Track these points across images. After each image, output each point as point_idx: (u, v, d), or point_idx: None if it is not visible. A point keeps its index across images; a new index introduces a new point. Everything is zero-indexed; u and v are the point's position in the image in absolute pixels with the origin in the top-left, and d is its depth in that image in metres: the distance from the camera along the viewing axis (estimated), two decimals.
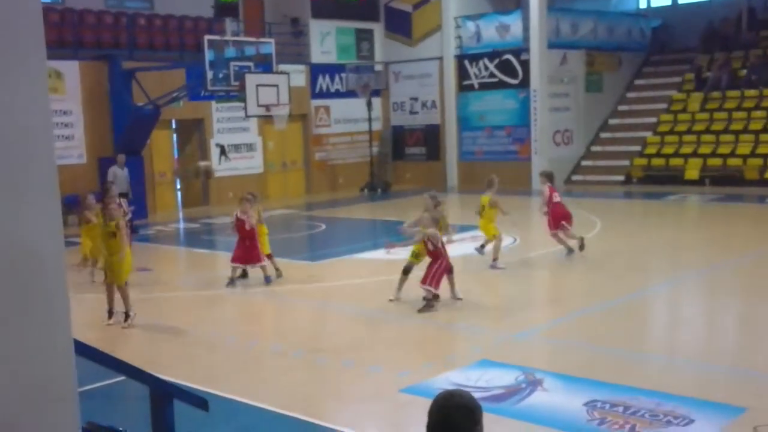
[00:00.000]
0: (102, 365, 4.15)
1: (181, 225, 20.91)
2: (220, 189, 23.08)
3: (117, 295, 10.23)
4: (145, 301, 11.07)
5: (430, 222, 10.44)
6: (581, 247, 13.54)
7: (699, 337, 9.38)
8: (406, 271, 10.89)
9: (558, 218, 13.54)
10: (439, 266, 10.33)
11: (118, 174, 18.21)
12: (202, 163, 20.34)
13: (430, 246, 10.37)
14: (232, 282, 12.30)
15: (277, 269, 12.63)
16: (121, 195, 14.90)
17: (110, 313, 10.26)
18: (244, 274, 12.72)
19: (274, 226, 18.52)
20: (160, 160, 22.67)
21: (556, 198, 13.63)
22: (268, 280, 12.37)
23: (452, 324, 10.05)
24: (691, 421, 6.37)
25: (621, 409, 6.67)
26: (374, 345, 9.26)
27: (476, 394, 3.39)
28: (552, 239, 13.76)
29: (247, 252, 12.23)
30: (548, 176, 14.00)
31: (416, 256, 10.95)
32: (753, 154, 23.07)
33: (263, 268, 12.42)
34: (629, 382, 7.34)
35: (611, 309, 10.35)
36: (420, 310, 10.19)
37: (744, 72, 25.56)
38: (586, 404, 6.80)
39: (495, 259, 12.86)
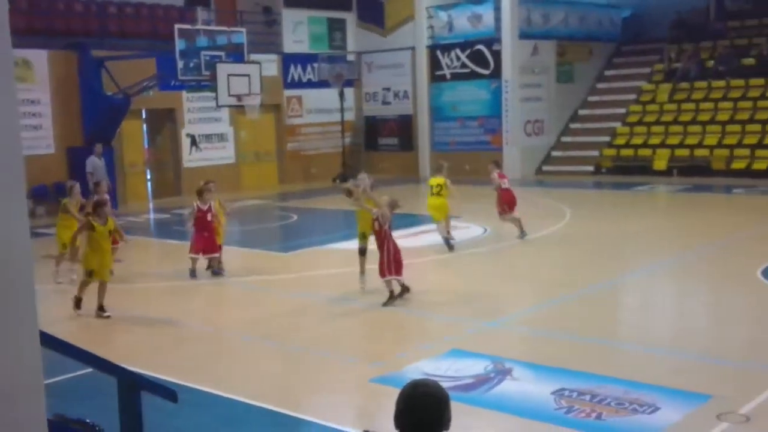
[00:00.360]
0: (69, 357, 4.13)
1: (152, 216, 20.77)
2: (191, 180, 22.90)
3: (91, 289, 10.13)
4: (117, 293, 10.98)
5: (388, 203, 10.29)
6: (522, 234, 14.19)
7: (668, 325, 9.51)
8: (362, 252, 11.07)
9: (505, 203, 14.21)
10: (389, 251, 10.11)
11: (97, 164, 18.04)
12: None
13: (376, 225, 10.21)
14: (194, 273, 12.21)
15: (219, 261, 12.45)
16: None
17: (78, 302, 10.16)
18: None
19: (247, 217, 18.52)
20: (131, 150, 22.47)
21: (505, 184, 14.26)
22: (216, 272, 12.29)
23: (423, 314, 10.10)
24: (657, 408, 6.48)
25: (588, 397, 6.77)
26: (346, 335, 9.30)
27: (445, 384, 3.43)
28: (502, 222, 14.42)
29: (204, 243, 12.15)
30: (496, 163, 15.08)
31: (363, 237, 11.08)
32: (720, 145, 23.36)
33: (214, 259, 12.33)
34: (598, 370, 7.44)
35: (581, 298, 10.47)
36: (384, 304, 10.10)
37: (711, 63, 25.83)
38: (554, 393, 6.89)
39: (449, 232, 13.61)
